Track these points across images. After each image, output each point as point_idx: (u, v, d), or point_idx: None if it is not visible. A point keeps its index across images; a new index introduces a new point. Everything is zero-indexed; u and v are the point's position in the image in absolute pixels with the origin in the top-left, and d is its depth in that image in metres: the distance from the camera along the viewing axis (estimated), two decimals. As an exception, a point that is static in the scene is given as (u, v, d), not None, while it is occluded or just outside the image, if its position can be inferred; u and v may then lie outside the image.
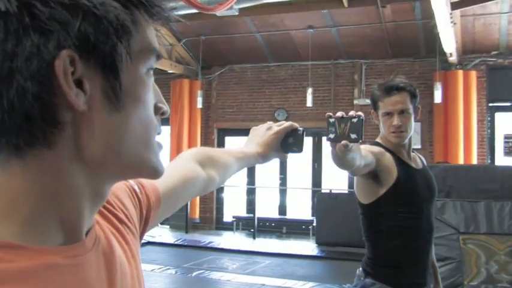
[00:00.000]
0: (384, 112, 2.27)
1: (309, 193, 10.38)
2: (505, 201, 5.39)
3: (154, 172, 0.63)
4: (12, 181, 0.53)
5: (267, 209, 10.57)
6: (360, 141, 1.43)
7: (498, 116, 9.34)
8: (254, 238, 9.69)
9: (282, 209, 10.75)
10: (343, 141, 1.37)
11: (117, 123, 0.57)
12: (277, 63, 10.33)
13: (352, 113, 1.42)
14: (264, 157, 1.23)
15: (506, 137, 9.08)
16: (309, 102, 9.24)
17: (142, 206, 0.82)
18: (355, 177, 2.27)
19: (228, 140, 10.91)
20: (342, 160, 1.78)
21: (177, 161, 1.07)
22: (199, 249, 8.49)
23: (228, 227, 10.55)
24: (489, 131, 9.24)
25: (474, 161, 8.73)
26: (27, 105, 0.51)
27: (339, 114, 1.41)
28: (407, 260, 2.21)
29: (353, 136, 1.37)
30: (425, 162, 2.47)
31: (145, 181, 0.85)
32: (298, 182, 10.49)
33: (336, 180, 9.92)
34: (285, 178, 10.69)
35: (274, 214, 10.69)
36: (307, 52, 9.48)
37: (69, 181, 0.56)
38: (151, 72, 0.61)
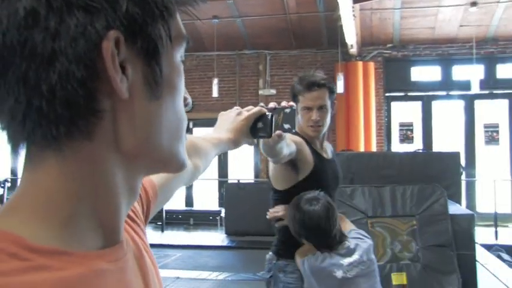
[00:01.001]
0: (304, 106, 2.35)
1: (216, 184, 10.41)
2: (403, 184, 5.72)
3: (182, 165, 0.59)
4: (48, 177, 0.49)
5: (173, 201, 10.44)
6: (293, 130, 1.45)
7: (394, 105, 9.97)
8: (162, 231, 9.52)
9: (189, 201, 10.71)
10: (278, 131, 1.37)
11: (155, 112, 0.53)
12: (182, 53, 10.22)
13: (284, 103, 1.44)
14: (235, 143, 1.23)
15: (401, 125, 9.74)
16: (215, 93, 9.22)
17: (143, 202, 0.78)
18: (271, 165, 2.35)
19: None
20: (272, 149, 1.86)
21: None
22: (107, 245, 8.22)
23: (134, 220, 10.35)
24: (386, 119, 9.84)
25: (373, 148, 9.25)
26: (70, 91, 0.46)
27: (272, 105, 1.42)
28: None
29: (286, 126, 1.38)
30: (333, 151, 2.62)
31: None
32: (204, 172, 10.46)
33: (241, 170, 10.03)
34: (191, 169, 10.66)
35: (181, 206, 10.61)
36: (212, 42, 9.46)
37: (108, 175, 0.52)
38: (182, 60, 0.58)
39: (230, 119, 1.25)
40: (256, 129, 1.25)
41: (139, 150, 0.53)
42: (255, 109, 1.26)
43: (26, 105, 0.46)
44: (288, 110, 1.37)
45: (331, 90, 2.40)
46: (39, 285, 0.44)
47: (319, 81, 2.35)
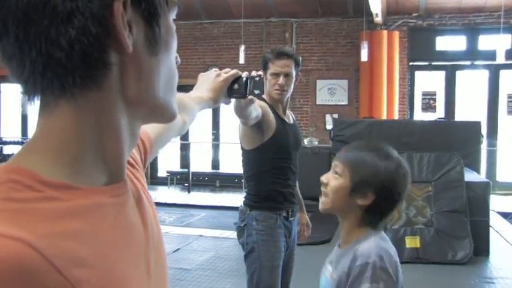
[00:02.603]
0: (273, 72, 2.68)
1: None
2: (423, 152, 5.81)
3: (173, 115, 0.67)
4: (62, 122, 0.55)
5: (200, 163, 10.75)
6: (262, 95, 1.64)
7: (417, 74, 10.00)
8: (189, 192, 9.90)
9: (215, 164, 11.01)
10: (250, 96, 1.50)
11: (154, 66, 0.60)
12: (210, 21, 10.35)
13: (254, 73, 1.60)
14: (214, 101, 1.34)
15: (424, 93, 9.79)
16: (242, 60, 9.29)
17: (141, 151, 0.86)
18: (240, 127, 2.65)
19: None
20: (243, 111, 2.17)
21: None
22: (136, 204, 8.55)
23: (162, 181, 10.70)
24: (409, 88, 9.87)
25: (396, 116, 9.34)
26: (87, 45, 0.52)
27: (244, 74, 1.53)
28: (280, 193, 2.67)
29: (256, 92, 1.50)
30: (294, 118, 2.95)
31: None
32: (231, 137, 10.71)
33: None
34: (218, 133, 10.92)
35: (208, 168, 10.92)
36: (239, 10, 9.53)
37: (115, 121, 0.59)
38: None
39: (210, 79, 1.35)
40: (232, 90, 1.38)
41: (140, 98, 0.60)
42: (232, 71, 1.38)
43: (47, 58, 0.52)
44: (257, 79, 1.49)
45: (297, 62, 2.72)
46: (49, 211, 0.51)
47: (288, 52, 2.71)
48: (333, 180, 1.55)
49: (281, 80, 2.65)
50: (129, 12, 0.55)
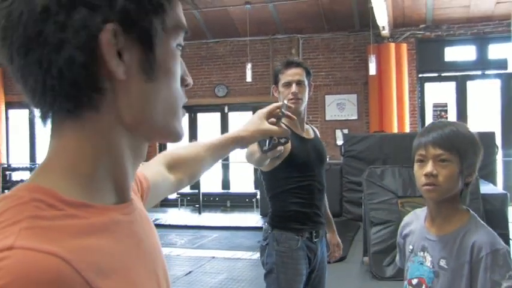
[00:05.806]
0: (284, 82, 2.60)
1: (251, 166, 10.57)
2: None
3: (177, 136, 0.69)
4: (68, 142, 0.60)
5: (210, 184, 10.69)
6: (288, 142, 1.56)
7: (427, 86, 9.90)
8: (200, 213, 9.82)
9: (226, 184, 10.95)
10: (279, 148, 1.49)
11: (151, 92, 0.62)
12: (216, 40, 10.38)
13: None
14: (242, 143, 1.30)
15: (435, 105, 9.67)
16: (249, 77, 9.36)
17: (138, 190, 0.89)
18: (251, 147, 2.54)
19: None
20: (259, 161, 2.14)
21: (149, 164, 1.13)
22: (146, 227, 8.46)
23: (172, 203, 10.61)
24: (419, 100, 9.77)
25: (407, 129, 9.23)
26: (75, 72, 0.56)
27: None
28: (303, 213, 2.56)
29: (283, 140, 1.47)
30: (317, 133, 2.82)
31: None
32: (240, 156, 10.63)
33: (277, 153, 10.14)
34: (227, 153, 10.88)
35: (218, 189, 10.87)
36: (245, 28, 9.59)
37: (115, 141, 0.62)
38: (180, 47, 0.68)
39: (258, 122, 1.32)
40: (260, 142, 1.42)
41: (137, 122, 0.63)
42: (274, 129, 1.31)
43: (42, 84, 0.57)
44: (283, 140, 1.45)
45: (308, 71, 2.65)
46: (72, 228, 0.55)
47: (297, 61, 2.67)
48: (442, 169, 1.56)
49: (294, 88, 2.56)
50: (121, 40, 0.58)
